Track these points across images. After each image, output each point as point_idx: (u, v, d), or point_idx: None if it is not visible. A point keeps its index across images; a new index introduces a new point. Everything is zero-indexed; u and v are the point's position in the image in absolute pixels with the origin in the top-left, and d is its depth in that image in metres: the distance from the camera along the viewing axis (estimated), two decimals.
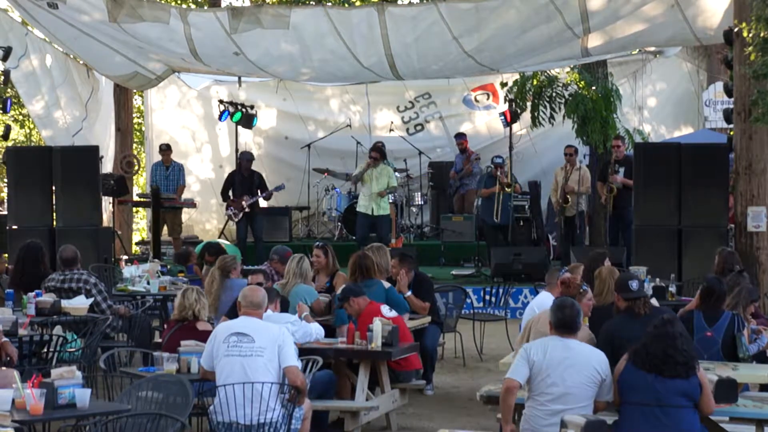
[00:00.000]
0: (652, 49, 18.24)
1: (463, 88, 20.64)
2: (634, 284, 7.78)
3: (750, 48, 11.84)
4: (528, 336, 8.20)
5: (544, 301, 9.28)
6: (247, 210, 17.27)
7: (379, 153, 16.87)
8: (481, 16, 14.79)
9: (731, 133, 13.96)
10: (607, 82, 17.82)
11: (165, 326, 9.08)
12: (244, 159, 17.80)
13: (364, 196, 16.70)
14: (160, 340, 9.44)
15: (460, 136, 19.23)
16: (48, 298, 9.93)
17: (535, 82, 17.87)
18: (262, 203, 18.22)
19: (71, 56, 18.41)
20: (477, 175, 18.69)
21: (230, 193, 17.62)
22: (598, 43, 15.32)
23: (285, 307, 9.45)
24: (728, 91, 13.67)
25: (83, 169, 15.23)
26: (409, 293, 10.78)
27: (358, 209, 16.82)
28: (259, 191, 17.48)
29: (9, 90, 17.09)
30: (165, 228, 18.20)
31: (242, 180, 17.48)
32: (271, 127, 21.23)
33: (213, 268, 10.54)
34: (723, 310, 8.46)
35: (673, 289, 11.49)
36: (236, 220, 17.26)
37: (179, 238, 18.17)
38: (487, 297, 13.75)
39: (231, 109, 19.31)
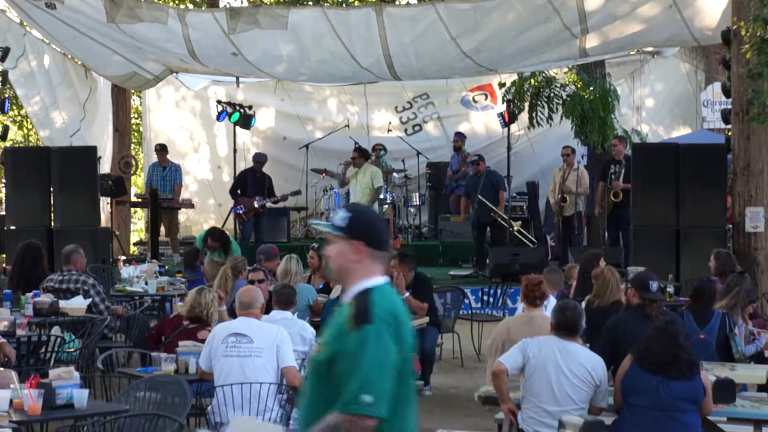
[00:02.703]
0: (650, 49, 18.26)
1: (461, 89, 20.66)
2: (654, 285, 7.70)
3: (747, 47, 11.85)
4: (502, 351, 8.06)
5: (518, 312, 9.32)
6: (260, 211, 17.25)
7: (358, 153, 16.91)
8: (480, 16, 14.80)
9: (729, 133, 13.97)
10: (605, 83, 17.84)
11: (165, 320, 9.01)
12: (258, 160, 17.71)
13: (352, 198, 16.76)
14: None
15: (458, 135, 19.20)
16: (46, 298, 9.92)
17: (533, 83, 17.88)
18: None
19: (69, 57, 18.41)
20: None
21: (238, 192, 17.58)
22: (596, 43, 15.33)
23: None
24: (726, 92, 13.68)
25: (81, 169, 15.21)
26: (407, 294, 10.78)
27: None
28: (267, 194, 17.43)
29: (7, 90, 17.07)
30: (163, 228, 18.19)
31: (255, 181, 17.45)
32: (269, 128, 21.23)
33: (225, 267, 10.51)
34: (713, 311, 8.42)
35: (671, 289, 11.48)
36: (246, 219, 17.20)
37: (177, 239, 18.17)
38: (485, 297, 13.76)
39: (229, 110, 19.29)
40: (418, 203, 19.09)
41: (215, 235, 14.45)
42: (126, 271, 13.03)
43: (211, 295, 8.55)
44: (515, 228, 16.92)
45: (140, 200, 19.13)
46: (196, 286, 12.54)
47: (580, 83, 17.45)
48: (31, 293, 10.02)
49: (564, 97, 17.67)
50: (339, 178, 17.70)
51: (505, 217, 16.80)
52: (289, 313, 8.49)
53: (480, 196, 16.77)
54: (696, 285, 8.64)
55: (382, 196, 17.23)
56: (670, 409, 6.56)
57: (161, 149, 18.51)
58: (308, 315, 10.03)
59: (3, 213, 16.24)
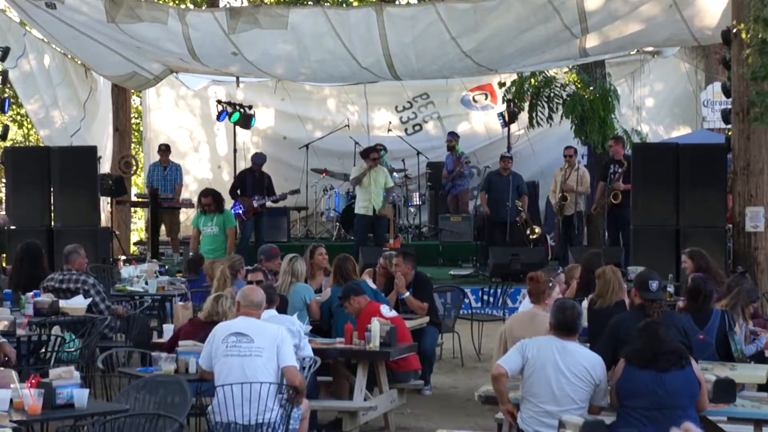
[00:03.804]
0: (650, 49, 18.25)
1: (461, 89, 20.66)
2: (654, 285, 7.71)
3: (749, 50, 11.85)
4: (505, 347, 8.12)
5: (524, 306, 9.35)
6: (259, 210, 17.25)
7: (378, 154, 16.84)
8: (479, 16, 14.80)
9: (729, 133, 13.98)
10: (605, 83, 17.84)
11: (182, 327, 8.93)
12: (256, 161, 17.69)
13: (363, 198, 16.57)
14: (158, 340, 9.41)
15: (451, 135, 19.21)
16: (46, 298, 9.92)
17: (533, 83, 17.88)
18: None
19: (69, 56, 18.40)
20: (468, 177, 18.68)
21: (238, 192, 17.59)
22: (596, 43, 15.33)
23: (284, 306, 9.43)
24: (726, 92, 13.70)
25: (81, 169, 15.22)
26: (408, 293, 10.78)
27: (357, 211, 16.67)
28: (267, 193, 17.43)
29: (7, 90, 17.07)
30: (163, 228, 18.20)
31: (254, 181, 17.44)
32: (269, 127, 21.24)
33: (223, 268, 10.50)
34: (712, 310, 8.40)
35: (671, 289, 11.48)
36: (246, 219, 17.20)
37: (177, 238, 18.17)
38: (485, 297, 13.76)
39: (229, 110, 19.30)
40: (418, 203, 19.08)
41: (205, 192, 14.70)
42: (126, 270, 13.04)
43: (228, 302, 8.55)
44: (536, 234, 16.94)
45: (140, 200, 19.14)
46: (196, 286, 12.65)
47: (580, 83, 17.45)
48: (32, 293, 10.02)
49: (564, 97, 17.68)
50: (350, 178, 17.56)
51: (528, 221, 16.87)
52: (274, 310, 8.51)
53: (503, 199, 16.79)
54: (691, 285, 8.60)
55: (391, 197, 17.23)
56: (669, 407, 6.54)
57: (165, 149, 18.51)
58: (308, 315, 10.02)
59: (3, 213, 16.24)
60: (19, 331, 8.96)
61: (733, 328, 8.34)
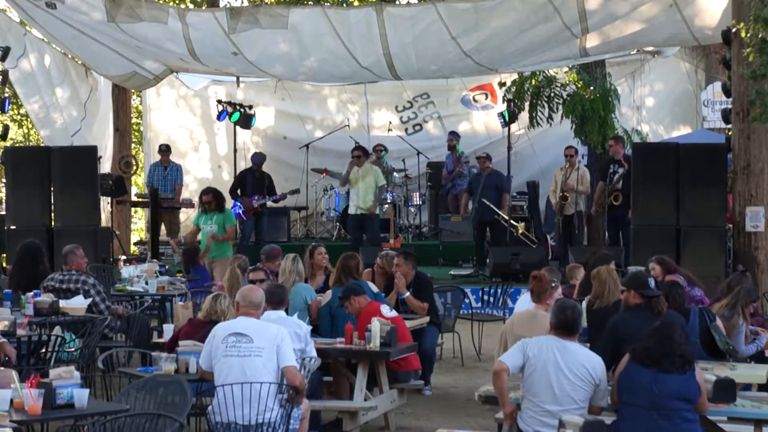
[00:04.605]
0: (650, 49, 18.25)
1: (461, 88, 20.66)
2: (651, 282, 7.90)
3: (748, 48, 11.84)
4: (506, 345, 8.13)
5: (521, 305, 9.35)
6: (259, 210, 17.26)
7: (362, 152, 16.93)
8: (480, 16, 14.81)
9: (729, 133, 13.97)
10: (605, 82, 17.83)
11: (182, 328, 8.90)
12: (256, 161, 17.71)
13: (352, 198, 16.76)
14: (158, 340, 9.41)
15: (452, 134, 19.23)
16: (46, 298, 9.92)
17: (533, 82, 17.87)
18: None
19: (70, 56, 18.41)
20: (467, 177, 18.71)
21: (238, 191, 17.60)
22: (597, 43, 15.34)
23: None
24: (726, 91, 13.70)
25: (82, 169, 15.22)
26: (408, 293, 10.78)
27: (349, 211, 16.89)
28: (267, 193, 17.44)
29: (7, 90, 17.06)
30: (163, 228, 18.20)
31: (254, 180, 17.46)
32: (269, 127, 21.24)
33: (233, 266, 10.50)
34: (689, 310, 8.41)
35: None
36: (246, 219, 17.21)
37: (177, 238, 18.17)
38: (486, 297, 13.76)
39: (229, 109, 19.30)
40: (418, 203, 19.09)
41: (207, 189, 14.77)
42: (126, 270, 13.02)
43: (227, 301, 8.54)
44: (519, 231, 16.92)
45: (140, 200, 19.13)
46: (197, 286, 12.65)
47: (581, 83, 17.44)
48: (32, 293, 10.01)
49: (564, 96, 17.67)
50: (340, 177, 17.68)
51: (508, 219, 16.80)
52: (283, 312, 8.47)
53: (482, 197, 16.79)
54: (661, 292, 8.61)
55: (383, 196, 17.24)
56: (665, 408, 6.54)
57: (166, 149, 18.52)
58: (308, 315, 10.01)
59: (3, 213, 16.24)
60: (20, 331, 8.96)
61: (713, 321, 8.37)
